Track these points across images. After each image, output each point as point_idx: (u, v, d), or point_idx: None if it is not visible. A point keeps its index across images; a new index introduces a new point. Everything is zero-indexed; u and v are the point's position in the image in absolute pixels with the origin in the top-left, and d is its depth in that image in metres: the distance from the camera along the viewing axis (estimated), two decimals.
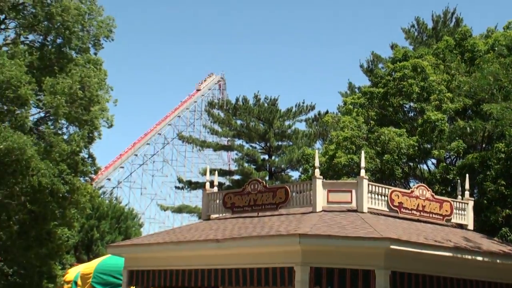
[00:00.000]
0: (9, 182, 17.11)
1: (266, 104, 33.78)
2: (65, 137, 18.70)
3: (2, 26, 19.20)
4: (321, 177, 10.89)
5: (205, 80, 76.54)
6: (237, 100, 34.44)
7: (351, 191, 10.90)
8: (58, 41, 19.29)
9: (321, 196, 10.75)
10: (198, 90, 74.00)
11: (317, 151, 12.45)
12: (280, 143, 33.93)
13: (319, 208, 10.78)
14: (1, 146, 16.12)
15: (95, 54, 20.29)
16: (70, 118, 18.43)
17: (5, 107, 17.02)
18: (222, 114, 35.60)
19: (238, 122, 34.08)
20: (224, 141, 40.01)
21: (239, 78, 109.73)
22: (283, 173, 33.50)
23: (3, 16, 19.03)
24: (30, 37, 19.52)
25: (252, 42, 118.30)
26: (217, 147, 37.23)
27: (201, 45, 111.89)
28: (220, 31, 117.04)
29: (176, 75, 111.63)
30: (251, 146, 34.41)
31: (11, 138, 16.35)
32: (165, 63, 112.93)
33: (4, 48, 18.66)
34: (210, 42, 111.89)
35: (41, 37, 19.45)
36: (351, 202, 10.85)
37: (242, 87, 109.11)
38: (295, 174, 37.34)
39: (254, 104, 33.98)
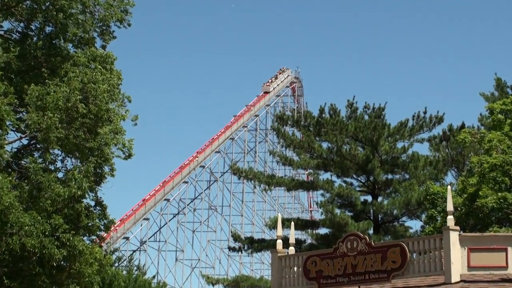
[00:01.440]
0: None
1: (366, 117, 32.90)
2: (60, 175, 18.35)
3: None
4: (457, 227, 10.33)
5: (275, 78, 75.42)
6: (321, 111, 33.43)
7: (506, 250, 10.12)
8: (48, 29, 18.99)
9: (458, 258, 10.01)
10: (266, 93, 73.11)
11: (449, 187, 12.03)
12: (390, 176, 33.13)
13: (455, 277, 9.94)
14: None
15: (103, 47, 19.99)
16: (67, 146, 17.99)
17: None
18: (298, 134, 35.89)
19: (324, 145, 33.55)
20: (303, 175, 41.09)
21: (316, 80, 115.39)
22: (396, 224, 32.70)
23: None
24: (5, 24, 19.15)
25: (330, 35, 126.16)
26: (292, 185, 35.59)
27: (260, 39, 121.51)
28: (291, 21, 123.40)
29: (227, 82, 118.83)
30: (344, 181, 33.60)
31: None
32: (213, 66, 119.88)
33: None
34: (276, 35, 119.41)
35: (22, 24, 19.14)
36: (507, 267, 10.07)
37: (322, 93, 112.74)
38: (415, 225, 37.55)
39: (348, 117, 33.18)
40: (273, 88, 74.31)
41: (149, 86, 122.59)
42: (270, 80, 75.58)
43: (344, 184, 32.77)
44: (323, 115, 33.24)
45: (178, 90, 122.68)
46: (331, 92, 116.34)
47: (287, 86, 77.80)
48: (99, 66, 18.78)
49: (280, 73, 77.40)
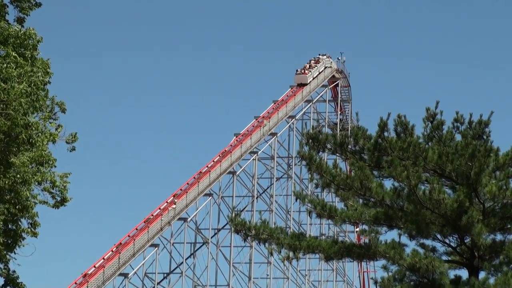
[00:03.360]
0: None
1: (458, 137, 32.38)
2: None
3: None
4: None
5: (308, 66, 74.29)
6: (382, 126, 32.31)
7: None
8: None
9: None
10: (301, 86, 72.24)
11: None
12: (499, 236, 32.46)
13: None
14: None
15: (20, 22, 20.46)
16: None
17: None
18: (343, 165, 35.41)
19: (388, 184, 32.57)
20: (352, 233, 39.68)
21: (367, 76, 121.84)
22: None
23: None
24: None
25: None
26: (334, 251, 34.35)
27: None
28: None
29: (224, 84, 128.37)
30: (422, 245, 32.81)
31: None
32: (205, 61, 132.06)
33: None
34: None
35: None
36: None
37: (378, 98, 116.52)
38: None
39: (428, 138, 32.59)
40: (312, 78, 72.97)
41: (95, 89, 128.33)
42: (307, 65, 74.02)
43: (421, 250, 31.90)
44: (385, 133, 32.18)
45: (142, 89, 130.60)
46: (392, 96, 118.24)
47: (324, 86, 76.54)
48: (13, 53, 18.65)
49: (314, 63, 75.96)
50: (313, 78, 73.39)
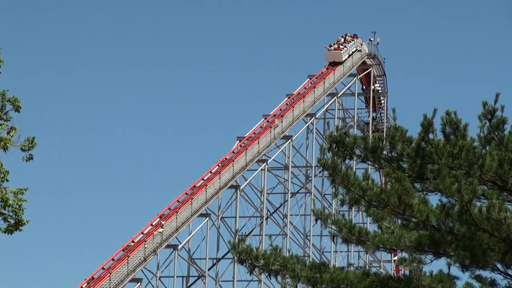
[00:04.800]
0: None
1: None
2: None
3: None
4: None
5: (344, 41, 74.75)
6: (426, 127, 32.52)
7: None
8: None
9: None
10: (334, 65, 73.14)
11: None
12: None
13: None
14: None
15: None
16: None
17: None
18: (376, 176, 35.65)
19: (433, 200, 32.71)
20: (388, 263, 38.25)
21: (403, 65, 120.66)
22: None
23: None
24: None
25: None
26: (366, 285, 35.00)
27: None
28: None
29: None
30: (478, 278, 33.17)
31: None
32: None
33: None
34: None
35: None
36: None
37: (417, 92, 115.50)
38: None
39: (485, 141, 32.54)
40: (348, 56, 73.49)
41: (59, 82, 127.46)
42: (341, 39, 74.68)
43: (476, 284, 32.52)
44: (430, 135, 32.38)
45: (120, 84, 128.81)
46: (438, 89, 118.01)
47: (353, 74, 76.73)
48: None
49: (351, 38, 76.42)
50: (349, 56, 73.67)
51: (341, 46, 74.98)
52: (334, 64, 73.65)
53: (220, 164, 67.92)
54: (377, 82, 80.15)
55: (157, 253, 63.79)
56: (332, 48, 74.96)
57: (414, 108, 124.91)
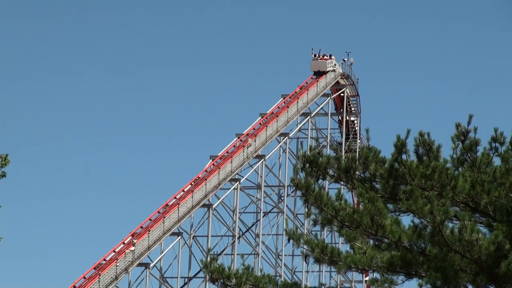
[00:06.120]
0: None
1: (498, 161, 32.29)
2: None
3: None
4: None
5: (322, 56, 75.08)
6: (399, 147, 32.44)
7: None
8: None
9: None
10: (318, 75, 72.78)
11: None
12: None
13: None
14: None
15: None
16: None
17: None
18: (349, 196, 36.07)
19: (405, 221, 32.49)
20: (359, 284, 42.06)
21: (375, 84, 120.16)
22: None
23: None
24: None
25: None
26: None
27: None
28: None
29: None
30: None
31: None
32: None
33: None
34: None
35: None
36: None
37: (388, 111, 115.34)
38: None
39: (458, 161, 32.58)
40: (332, 70, 73.56)
41: (34, 92, 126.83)
42: (319, 54, 74.75)
43: None
44: (404, 156, 32.35)
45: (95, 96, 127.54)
46: (412, 109, 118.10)
47: (326, 94, 77.16)
48: None
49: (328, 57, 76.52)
50: (332, 70, 73.80)
51: (326, 57, 75.04)
52: (318, 74, 73.66)
53: (192, 183, 67.60)
54: (350, 102, 80.00)
55: (128, 271, 63.35)
56: (318, 57, 74.98)
57: (388, 129, 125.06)
